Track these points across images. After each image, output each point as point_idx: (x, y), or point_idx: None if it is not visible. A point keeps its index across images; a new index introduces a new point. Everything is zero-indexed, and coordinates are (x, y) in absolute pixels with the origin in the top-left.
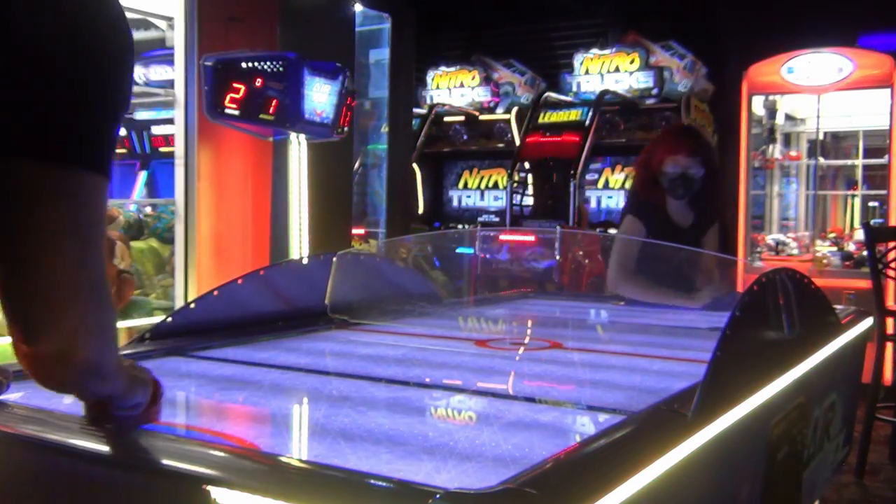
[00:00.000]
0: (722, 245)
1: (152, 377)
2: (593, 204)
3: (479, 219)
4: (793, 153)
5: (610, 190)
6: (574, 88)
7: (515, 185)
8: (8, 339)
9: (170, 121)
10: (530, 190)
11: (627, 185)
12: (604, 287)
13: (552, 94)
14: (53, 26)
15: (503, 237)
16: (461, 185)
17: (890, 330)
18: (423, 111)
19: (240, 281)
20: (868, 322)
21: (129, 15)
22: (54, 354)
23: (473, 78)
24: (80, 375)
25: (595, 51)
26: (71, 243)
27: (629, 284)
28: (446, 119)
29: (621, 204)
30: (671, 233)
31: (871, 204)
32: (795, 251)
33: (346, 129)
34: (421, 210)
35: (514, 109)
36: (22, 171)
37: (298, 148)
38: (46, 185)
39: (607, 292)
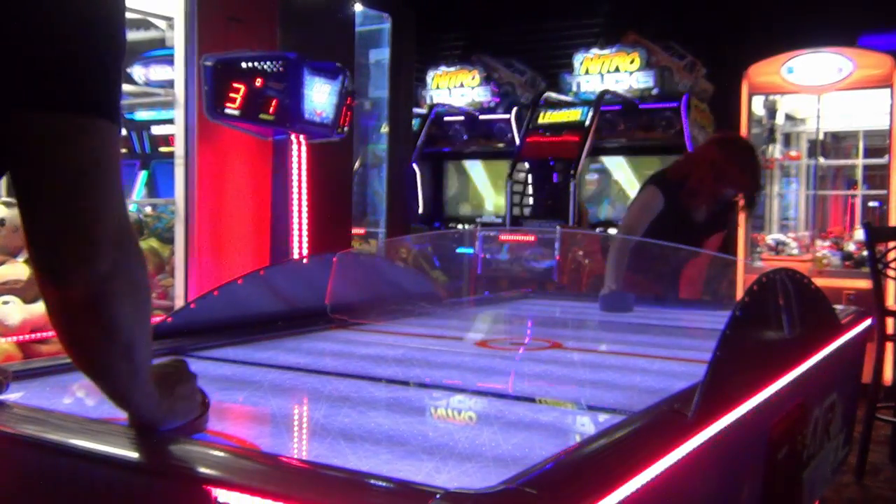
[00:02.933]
0: (723, 246)
1: (202, 395)
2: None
3: (479, 219)
4: (793, 153)
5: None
6: (574, 88)
7: (515, 185)
8: (7, 339)
9: (170, 121)
10: (530, 190)
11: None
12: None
13: (552, 94)
14: None
15: (503, 237)
16: (461, 184)
17: (890, 330)
18: (423, 111)
19: (240, 281)
20: (868, 322)
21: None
22: (84, 300)
23: (473, 78)
24: (107, 336)
25: (595, 51)
26: (93, 190)
27: (616, 241)
28: (446, 119)
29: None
30: (683, 222)
31: (871, 204)
32: (795, 251)
33: (346, 129)
34: (421, 210)
35: (514, 109)
36: (40, 124)
37: (298, 148)
38: (64, 135)
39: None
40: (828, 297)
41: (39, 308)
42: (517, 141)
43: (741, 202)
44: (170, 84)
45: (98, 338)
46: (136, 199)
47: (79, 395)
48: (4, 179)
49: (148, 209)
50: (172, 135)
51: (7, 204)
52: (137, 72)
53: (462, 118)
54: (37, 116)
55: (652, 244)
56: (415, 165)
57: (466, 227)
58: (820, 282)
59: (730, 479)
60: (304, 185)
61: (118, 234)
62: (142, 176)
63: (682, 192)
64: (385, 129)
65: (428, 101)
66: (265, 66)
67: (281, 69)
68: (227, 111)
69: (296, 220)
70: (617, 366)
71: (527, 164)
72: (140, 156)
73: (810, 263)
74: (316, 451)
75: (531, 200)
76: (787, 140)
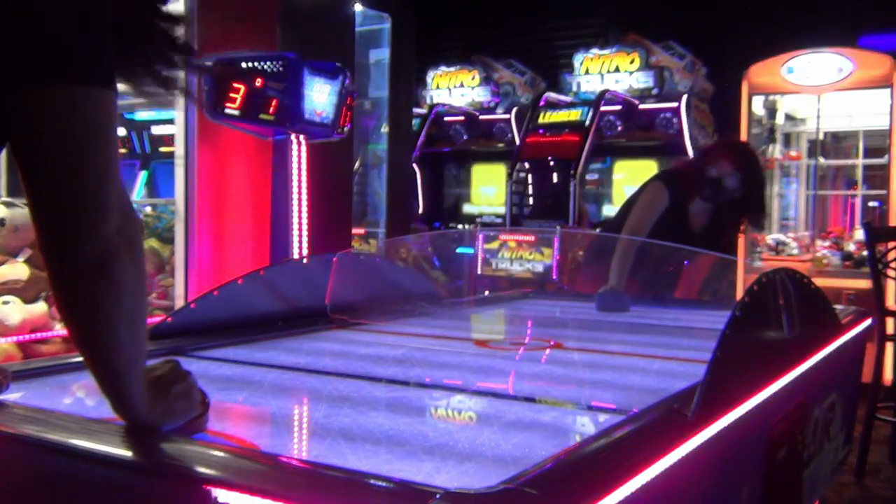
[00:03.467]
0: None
1: (202, 394)
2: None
3: (480, 219)
4: (793, 153)
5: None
6: (574, 88)
7: (515, 185)
8: (7, 339)
9: (170, 121)
10: (530, 190)
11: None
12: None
13: (552, 94)
14: None
15: (503, 237)
16: (461, 184)
17: (890, 330)
18: (423, 111)
19: (240, 281)
20: (868, 322)
21: None
22: (93, 263)
23: (473, 78)
24: (114, 298)
25: (595, 51)
26: (96, 156)
27: (624, 244)
28: (446, 119)
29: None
30: (681, 226)
31: (871, 204)
32: (795, 251)
33: (346, 129)
34: (421, 210)
35: (514, 109)
36: (39, 98)
37: (298, 148)
38: (63, 106)
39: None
40: (828, 297)
41: (39, 308)
42: (517, 141)
43: (742, 225)
44: None
45: (105, 300)
46: (136, 199)
47: (79, 395)
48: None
49: (148, 209)
50: (172, 135)
51: (7, 204)
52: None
53: (462, 118)
54: (35, 91)
55: (654, 244)
56: (415, 165)
57: (466, 227)
58: (820, 282)
59: (730, 479)
60: (304, 185)
61: (121, 200)
62: (142, 176)
63: (686, 180)
64: (385, 129)
65: (428, 101)
66: (265, 66)
67: (281, 69)
68: (228, 111)
69: (296, 220)
70: (617, 366)
71: (527, 164)
72: (140, 156)
73: (810, 263)
74: (316, 451)
75: (531, 200)
76: (787, 140)
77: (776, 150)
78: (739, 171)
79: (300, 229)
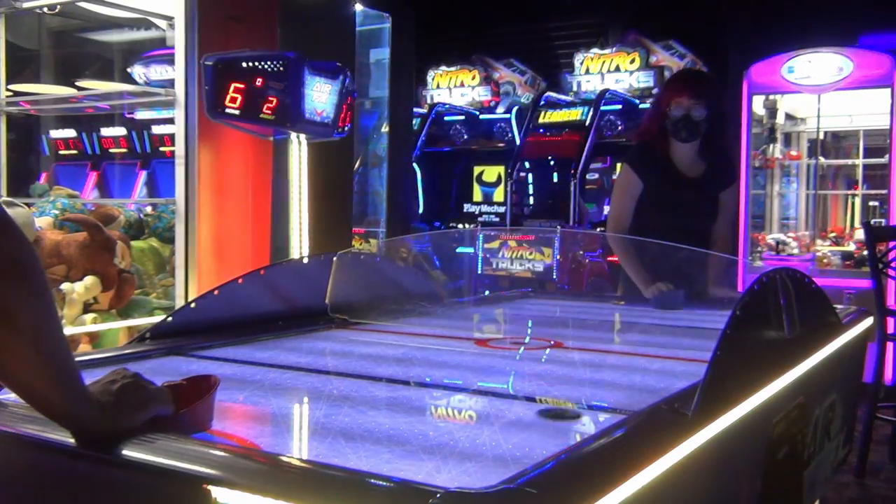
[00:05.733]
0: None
1: (164, 389)
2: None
3: (480, 218)
4: (793, 153)
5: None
6: (574, 88)
7: (515, 184)
8: None
9: (170, 121)
10: (531, 190)
11: None
12: (603, 286)
13: (552, 94)
14: None
15: (503, 237)
16: (461, 184)
17: (891, 329)
18: (423, 111)
19: (240, 281)
20: (868, 322)
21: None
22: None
23: (474, 77)
24: (24, 337)
25: (595, 50)
26: None
27: (617, 243)
28: (446, 119)
29: None
30: (673, 180)
31: (871, 203)
32: (796, 251)
33: (346, 128)
34: (421, 210)
35: (515, 109)
36: None
37: (298, 148)
38: None
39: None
40: (828, 296)
41: None
42: (517, 141)
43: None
44: (170, 84)
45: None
46: (137, 199)
47: None
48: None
49: (148, 209)
50: (172, 134)
51: (7, 204)
52: (137, 71)
53: (462, 118)
54: None
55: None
56: (415, 165)
57: (466, 226)
58: (820, 281)
59: (730, 478)
60: (304, 185)
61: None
62: (142, 176)
63: (642, 134)
64: (385, 128)
65: (428, 101)
66: (265, 66)
67: (281, 69)
68: (228, 111)
69: (296, 220)
70: (617, 365)
71: (527, 164)
72: (140, 155)
73: (810, 263)
74: (316, 451)
75: (531, 200)
76: (788, 140)
77: (776, 150)
78: (699, 97)
79: (300, 229)
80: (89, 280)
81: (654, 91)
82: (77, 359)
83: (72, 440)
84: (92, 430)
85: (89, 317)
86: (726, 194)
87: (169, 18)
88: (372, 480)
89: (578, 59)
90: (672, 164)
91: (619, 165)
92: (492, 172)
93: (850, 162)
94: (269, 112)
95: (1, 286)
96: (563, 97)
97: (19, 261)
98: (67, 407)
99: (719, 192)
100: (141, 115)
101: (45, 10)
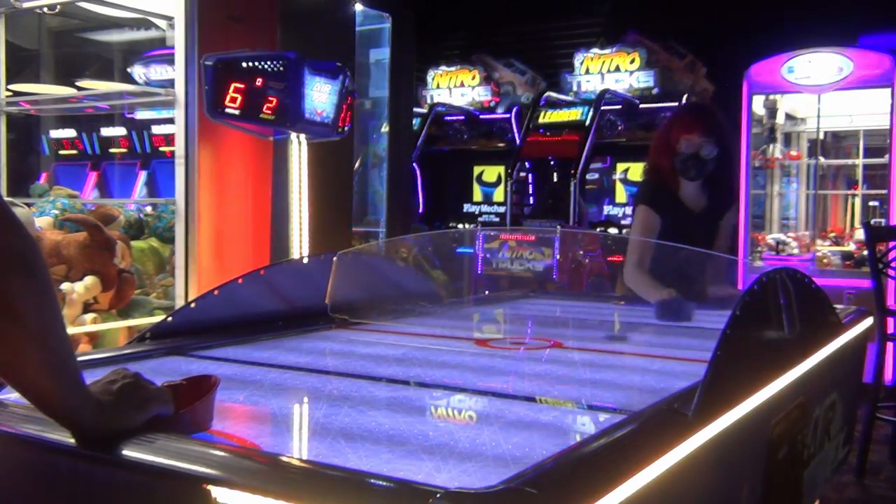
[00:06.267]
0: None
1: (164, 389)
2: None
3: (480, 218)
4: (793, 153)
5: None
6: (574, 88)
7: (515, 184)
8: None
9: (170, 120)
10: (531, 189)
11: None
12: (603, 286)
13: (552, 94)
14: None
15: (503, 237)
16: (461, 184)
17: (891, 329)
18: (423, 111)
19: (240, 281)
20: (868, 322)
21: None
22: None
23: (474, 77)
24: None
25: (595, 50)
26: None
27: (640, 282)
28: (446, 118)
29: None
30: (683, 218)
31: (871, 203)
32: (796, 251)
33: (346, 128)
34: (421, 210)
35: (515, 109)
36: None
37: (298, 148)
38: None
39: (621, 290)
40: (828, 296)
41: None
42: (517, 141)
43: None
44: (170, 84)
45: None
46: (137, 199)
47: None
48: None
49: (148, 209)
50: (172, 134)
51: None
52: (137, 71)
53: (462, 118)
54: None
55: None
56: (415, 165)
57: (466, 226)
58: (820, 281)
59: (730, 478)
60: (304, 185)
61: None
62: (142, 176)
63: (653, 173)
64: (385, 128)
65: (428, 101)
66: (265, 66)
67: (281, 69)
68: (228, 111)
69: (296, 220)
70: (617, 365)
71: (527, 164)
72: (140, 155)
73: (810, 263)
74: (316, 451)
75: (531, 200)
76: (788, 140)
77: (776, 150)
78: (709, 133)
79: (300, 229)
80: (89, 280)
81: (655, 91)
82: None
83: (72, 440)
84: (92, 430)
85: (89, 317)
86: (726, 218)
87: (169, 18)
88: (372, 480)
89: (578, 59)
90: (680, 201)
91: (613, 162)
92: (492, 172)
93: (850, 162)
94: (269, 112)
95: (5, 281)
96: (563, 97)
97: (23, 256)
98: (68, 405)
99: (720, 220)
100: (141, 115)
101: (45, 10)
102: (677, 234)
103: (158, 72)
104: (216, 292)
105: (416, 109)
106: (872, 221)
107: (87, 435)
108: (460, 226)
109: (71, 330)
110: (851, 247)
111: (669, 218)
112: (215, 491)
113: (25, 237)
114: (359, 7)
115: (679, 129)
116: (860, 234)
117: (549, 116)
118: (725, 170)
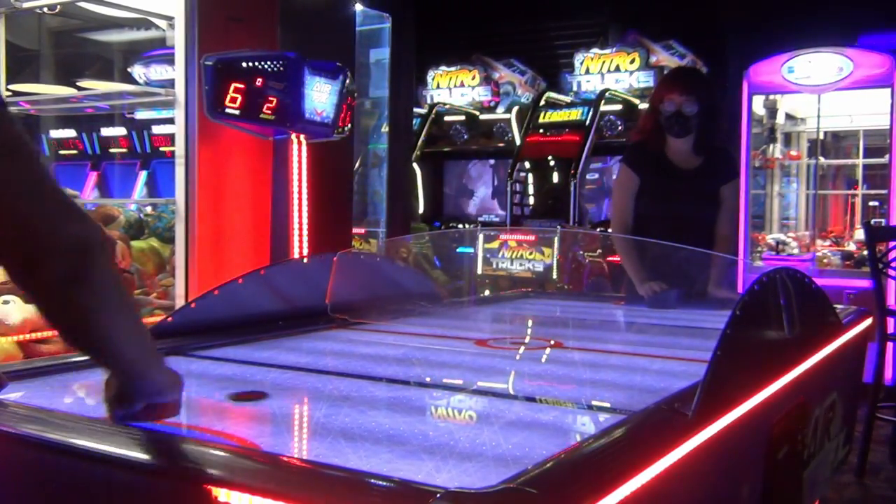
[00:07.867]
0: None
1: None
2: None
3: (480, 218)
4: (793, 153)
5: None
6: (574, 88)
7: (516, 184)
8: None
9: (170, 120)
10: (531, 189)
11: None
12: (603, 286)
13: (552, 94)
14: None
15: (503, 237)
16: (461, 184)
17: (891, 329)
18: (423, 111)
19: (240, 281)
20: (868, 322)
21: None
22: (76, 240)
23: (474, 77)
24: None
25: (595, 50)
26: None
27: (619, 242)
28: (446, 118)
29: None
30: (669, 175)
31: (871, 203)
32: (796, 251)
33: (346, 128)
34: (421, 210)
35: (515, 109)
36: None
37: (298, 148)
38: None
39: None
40: (828, 296)
41: None
42: (517, 141)
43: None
44: (170, 84)
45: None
46: (137, 199)
47: (79, 395)
48: None
49: (148, 209)
50: (172, 134)
51: None
52: (137, 71)
53: (462, 118)
54: None
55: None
56: (415, 165)
57: (466, 226)
58: (820, 281)
59: (730, 478)
60: (304, 185)
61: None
62: (142, 176)
63: (637, 132)
64: (385, 128)
65: (428, 101)
66: (265, 66)
67: (281, 69)
68: (228, 111)
69: (296, 220)
70: (617, 365)
71: (527, 164)
72: (140, 155)
73: (811, 263)
74: (316, 451)
75: (531, 200)
76: (788, 140)
77: (776, 150)
78: (690, 93)
79: (300, 229)
80: None
81: None
82: (79, 359)
83: (72, 440)
84: (160, 385)
85: None
86: (726, 189)
87: (169, 18)
88: (372, 480)
89: (578, 59)
90: (667, 159)
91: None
92: (491, 173)
93: (850, 162)
94: (269, 112)
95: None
96: (563, 97)
97: (87, 242)
98: (144, 361)
99: (719, 187)
100: (141, 115)
101: (45, 10)
102: (656, 192)
103: (158, 72)
104: (216, 292)
105: (416, 109)
106: (872, 221)
107: (149, 389)
108: (460, 226)
109: None
110: (851, 247)
111: (649, 176)
112: (215, 491)
113: (94, 227)
114: (359, 7)
115: (661, 90)
116: (860, 234)
117: (548, 116)
118: (712, 128)
